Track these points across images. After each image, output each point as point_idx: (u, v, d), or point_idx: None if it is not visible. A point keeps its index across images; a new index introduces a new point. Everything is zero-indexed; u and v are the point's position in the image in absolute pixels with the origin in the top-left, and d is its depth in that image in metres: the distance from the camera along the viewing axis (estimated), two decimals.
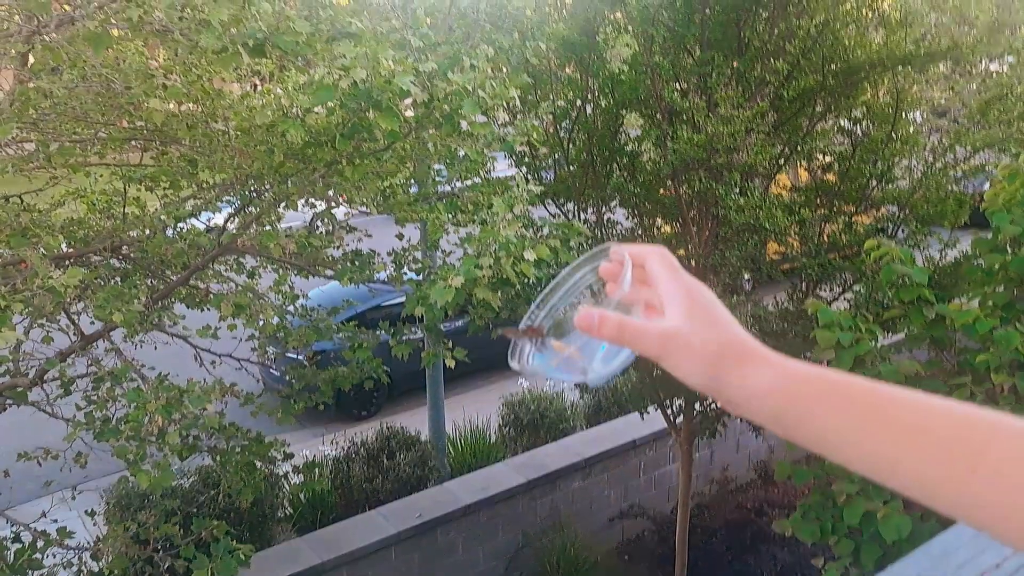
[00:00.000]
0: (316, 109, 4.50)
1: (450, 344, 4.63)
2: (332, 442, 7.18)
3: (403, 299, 4.37)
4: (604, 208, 5.51)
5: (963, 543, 0.73)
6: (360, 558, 5.64)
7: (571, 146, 5.41)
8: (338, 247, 5.20)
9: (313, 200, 5.06)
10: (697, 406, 5.29)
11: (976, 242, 4.47)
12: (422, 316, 4.33)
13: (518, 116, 5.02)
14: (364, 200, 4.66)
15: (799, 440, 0.60)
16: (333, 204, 5.08)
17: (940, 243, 5.12)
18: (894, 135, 5.26)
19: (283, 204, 4.68)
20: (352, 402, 8.48)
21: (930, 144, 5.56)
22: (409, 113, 4.56)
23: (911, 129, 5.36)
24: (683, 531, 5.64)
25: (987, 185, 5.89)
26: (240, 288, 4.79)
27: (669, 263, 0.67)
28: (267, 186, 4.46)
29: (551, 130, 5.42)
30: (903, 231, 5.29)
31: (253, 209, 4.71)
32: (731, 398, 0.61)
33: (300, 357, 6.04)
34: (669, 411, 5.38)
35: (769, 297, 5.83)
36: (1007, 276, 4.12)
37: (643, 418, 5.48)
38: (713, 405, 5.32)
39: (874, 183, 5.33)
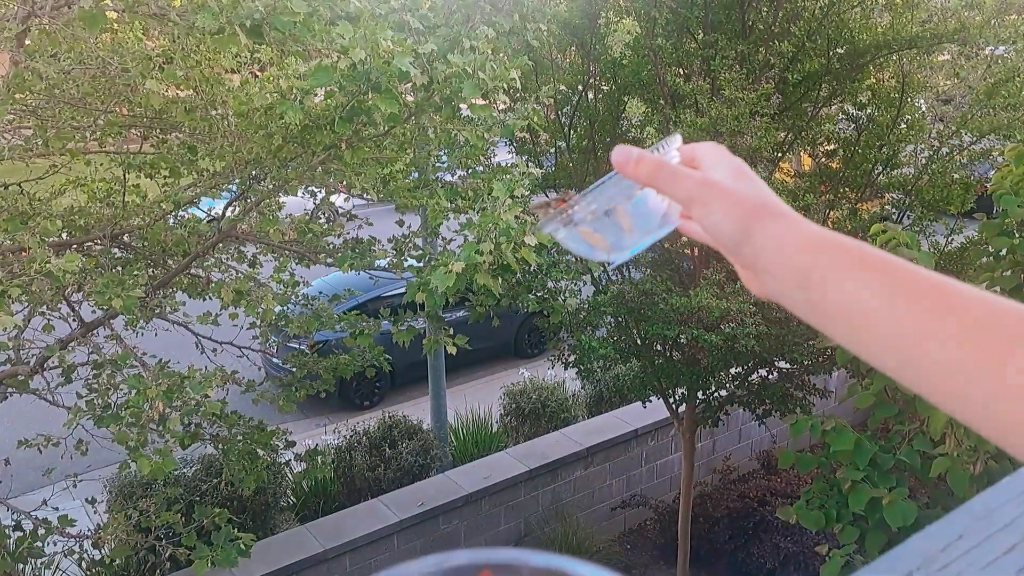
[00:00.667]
0: (315, 92, 4.47)
1: (451, 332, 4.59)
2: (334, 431, 7.17)
3: (404, 289, 4.35)
4: None
5: (1007, 500, 0.69)
6: (363, 546, 5.63)
7: (572, 132, 5.37)
8: (339, 235, 5.18)
9: (313, 188, 5.04)
10: (700, 395, 5.26)
11: (983, 226, 4.43)
12: (423, 303, 4.30)
13: (518, 101, 4.98)
14: (364, 186, 4.62)
15: (820, 307, 0.54)
16: (333, 191, 5.05)
17: (946, 229, 5.08)
18: (900, 120, 5.21)
19: (283, 190, 4.66)
20: (354, 392, 8.48)
21: (935, 130, 5.51)
22: (409, 99, 4.53)
23: (917, 114, 5.31)
24: (685, 521, 5.62)
25: (991, 171, 5.86)
26: (241, 276, 4.76)
27: (719, 148, 0.64)
28: (266, 172, 4.42)
29: (552, 116, 5.38)
30: (908, 217, 5.25)
31: (252, 196, 4.69)
32: (761, 248, 0.56)
33: (302, 346, 6.04)
34: (671, 400, 5.35)
35: None
36: (1015, 260, 4.08)
37: (645, 407, 5.45)
38: (716, 394, 5.29)
39: (879, 169, 5.29)
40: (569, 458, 6.23)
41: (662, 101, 4.93)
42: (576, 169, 5.41)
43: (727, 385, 5.26)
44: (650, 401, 5.37)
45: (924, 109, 5.88)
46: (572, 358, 4.98)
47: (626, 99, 5.21)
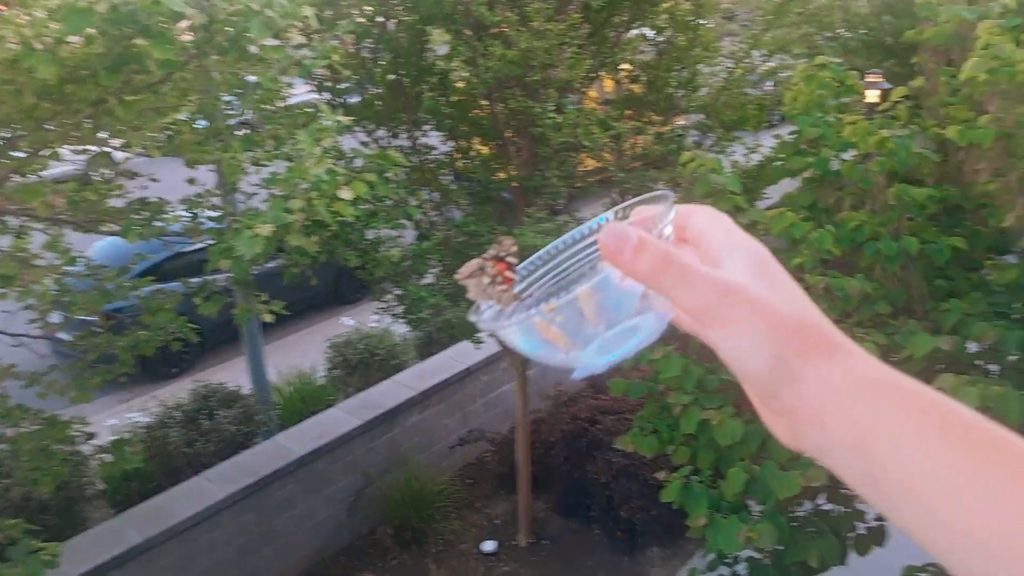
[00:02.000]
0: (71, 38, 3.87)
1: (265, 297, 4.24)
2: (141, 408, 6.58)
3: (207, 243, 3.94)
4: (417, 132, 5.22)
5: None
6: (190, 528, 5.25)
7: (376, 67, 5.03)
8: (120, 196, 4.61)
9: (83, 146, 4.41)
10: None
11: (780, 146, 4.61)
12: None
13: (314, 37, 4.56)
14: (144, 143, 4.09)
15: (882, 483, 0.41)
16: (106, 149, 4.45)
17: (744, 147, 5.27)
18: (695, 43, 5.29)
19: (45, 153, 4.03)
20: (158, 360, 7.78)
21: (729, 51, 5.66)
22: (187, 39, 4.03)
23: (711, 36, 5.41)
24: (524, 448, 5.68)
25: (768, 86, 6.15)
26: (4, 255, 4.13)
27: (721, 218, 0.50)
28: (20, 134, 3.80)
29: (352, 50, 5.01)
30: (710, 138, 5.40)
31: (5, 161, 4.03)
32: (808, 395, 0.43)
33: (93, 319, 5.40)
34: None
35: (586, 211, 5.83)
36: (811, 178, 4.28)
37: (478, 348, 5.37)
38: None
39: (681, 92, 5.37)
40: (404, 405, 6.08)
41: (468, 32, 4.69)
42: (384, 105, 5.10)
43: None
44: (483, 342, 5.30)
45: (711, 26, 6.02)
46: (400, 309, 4.78)
47: (429, 30, 4.92)
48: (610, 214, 0.59)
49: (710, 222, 0.51)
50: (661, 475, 3.74)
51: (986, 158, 3.26)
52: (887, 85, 7.37)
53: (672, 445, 4.02)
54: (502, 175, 5.12)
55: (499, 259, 0.57)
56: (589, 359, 0.51)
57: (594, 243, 0.58)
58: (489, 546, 5.58)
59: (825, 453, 0.43)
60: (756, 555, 3.44)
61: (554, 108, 4.67)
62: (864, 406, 0.41)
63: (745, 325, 0.44)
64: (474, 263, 0.56)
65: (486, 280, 0.55)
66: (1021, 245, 3.99)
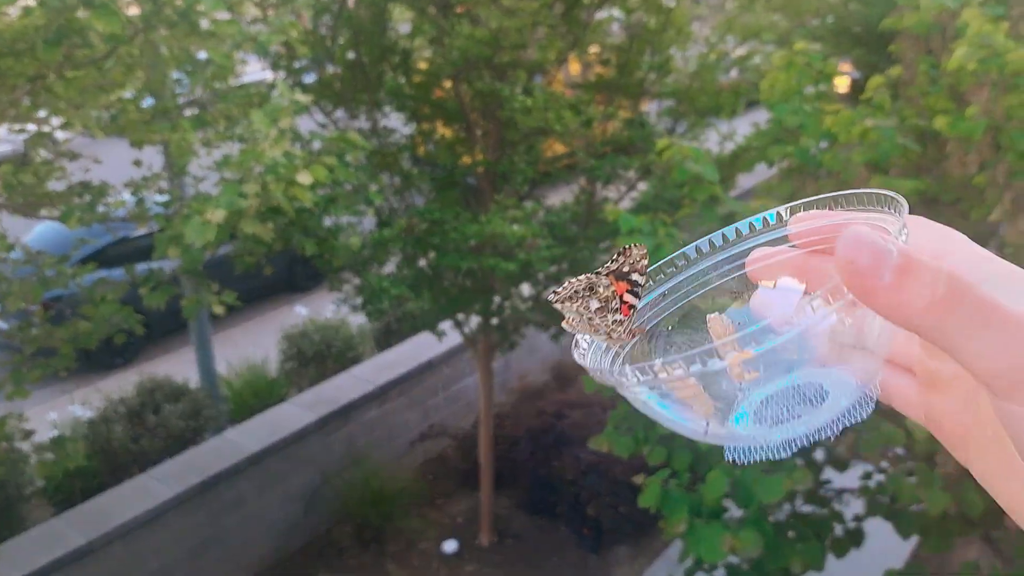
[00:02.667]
0: (7, 9, 3.57)
1: (215, 287, 3.98)
2: (84, 401, 6.25)
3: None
4: (378, 113, 4.98)
5: None
6: (134, 529, 4.98)
7: (335, 44, 4.78)
8: (61, 178, 4.30)
9: (20, 125, 4.10)
10: (495, 320, 5.06)
11: (757, 134, 4.49)
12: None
13: (270, 12, 4.30)
14: (86, 122, 3.80)
15: None
16: (45, 128, 4.14)
17: (719, 134, 5.14)
18: (668, 26, 5.13)
19: None
20: (102, 351, 7.42)
21: (696, 34, 5.53)
22: (133, 11, 3.76)
23: (684, 19, 5.26)
24: (487, 444, 5.51)
25: (733, 73, 6.04)
26: None
27: (962, 238, 0.36)
28: None
29: (310, 27, 4.75)
30: (683, 125, 5.26)
31: None
32: None
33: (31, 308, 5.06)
34: (466, 328, 5.11)
35: (552, 198, 5.65)
36: (789, 168, 4.16)
37: (440, 340, 5.17)
38: (510, 316, 5.11)
39: (653, 76, 5.22)
40: (361, 399, 5.86)
41: (432, 8, 4.47)
42: (343, 85, 4.85)
43: (520, 307, 5.10)
44: (444, 333, 5.10)
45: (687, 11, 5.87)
46: (359, 300, 4.55)
47: (391, 7, 4.68)
48: (782, 211, 0.43)
49: (952, 243, 0.36)
50: (639, 478, 3.59)
51: (974, 150, 3.16)
52: (856, 74, 7.34)
53: (648, 445, 3.88)
54: (467, 160, 4.92)
55: (621, 276, 0.43)
56: (758, 433, 0.36)
57: (741, 255, 0.45)
58: (451, 545, 5.41)
59: None
60: (734, 560, 3.32)
61: (523, 91, 4.48)
62: None
63: None
64: (580, 281, 0.44)
65: (594, 304, 0.42)
66: (997, 240, 3.93)
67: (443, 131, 5.15)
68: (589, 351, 0.45)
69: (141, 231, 6.28)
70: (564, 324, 0.46)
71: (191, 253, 3.51)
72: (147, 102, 4.34)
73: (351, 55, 4.74)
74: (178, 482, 5.17)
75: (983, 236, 3.97)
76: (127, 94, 4.21)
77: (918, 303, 0.30)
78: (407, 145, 5.10)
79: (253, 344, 7.09)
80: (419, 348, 6.25)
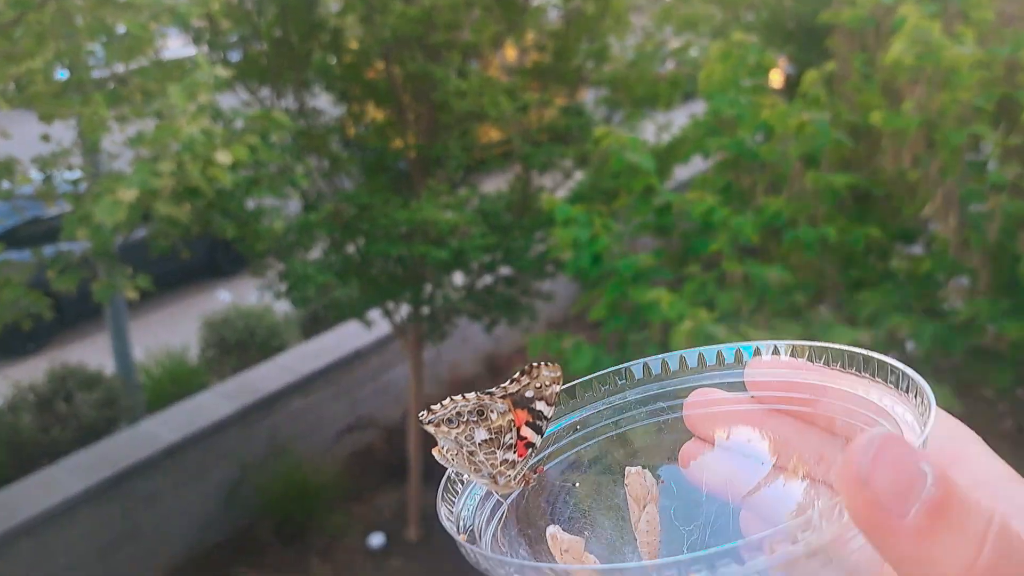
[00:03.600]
0: None
1: (129, 271, 3.76)
2: None
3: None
4: (306, 93, 4.79)
5: None
6: (43, 524, 4.72)
7: (261, 19, 4.57)
8: None
9: None
10: (426, 310, 4.93)
11: (694, 125, 4.46)
12: None
13: None
14: None
15: None
16: None
17: (655, 124, 5.10)
18: (606, 12, 5.07)
19: None
20: (10, 336, 7.03)
21: (634, 24, 5.48)
22: None
23: (622, 7, 5.20)
24: (416, 436, 5.39)
25: (670, 64, 6.03)
26: None
27: (993, 457, 0.27)
28: None
29: (234, 0, 4.52)
30: (619, 114, 5.20)
31: None
32: None
33: None
34: (395, 317, 4.97)
35: (487, 185, 5.54)
36: (725, 160, 4.14)
37: (369, 329, 5.02)
38: (442, 305, 4.99)
39: (590, 64, 5.15)
40: (285, 389, 5.66)
41: None
42: (269, 62, 4.64)
43: (452, 297, 4.98)
44: (372, 322, 4.96)
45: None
46: (283, 286, 4.37)
47: None
48: (742, 348, 0.35)
49: (964, 445, 0.29)
50: None
51: (908, 146, 3.17)
52: (789, 70, 7.41)
53: None
54: (399, 143, 4.77)
55: (522, 403, 0.34)
56: None
57: (682, 393, 0.36)
58: (377, 540, 5.27)
59: None
60: None
61: (457, 74, 4.35)
62: None
63: None
64: (466, 400, 0.35)
65: (481, 435, 0.34)
66: (928, 235, 3.98)
67: (374, 113, 4.99)
68: (461, 496, 0.36)
69: (54, 211, 5.95)
70: (435, 453, 0.38)
71: (101, 234, 3.29)
72: (61, 74, 4.08)
73: (278, 32, 4.53)
74: (90, 474, 4.91)
75: (914, 232, 4.02)
76: (37, 65, 3.94)
77: (953, 565, 0.22)
78: (336, 127, 4.92)
79: (173, 331, 6.80)
80: (347, 337, 6.08)
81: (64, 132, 4.17)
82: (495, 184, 5.49)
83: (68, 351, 6.68)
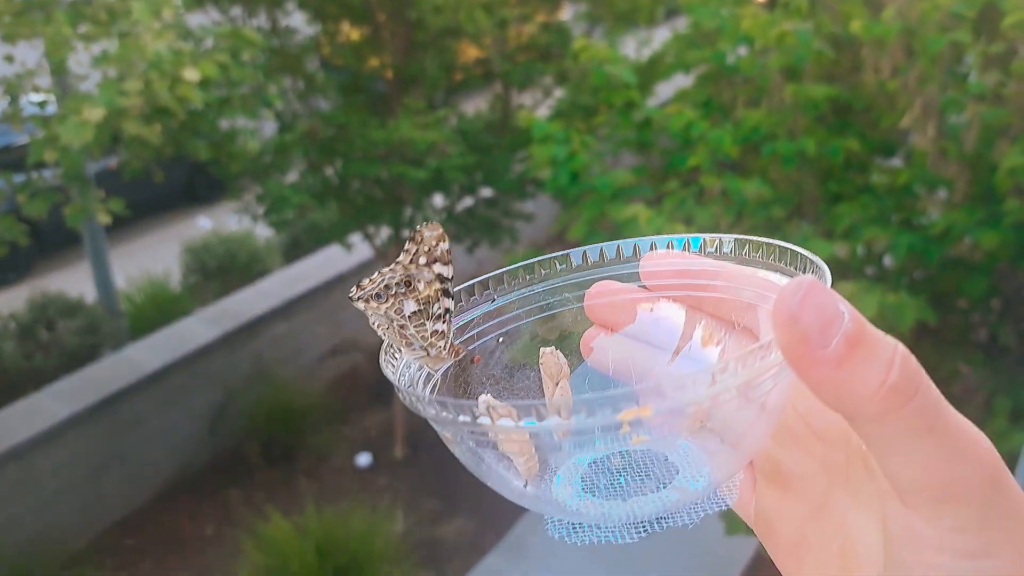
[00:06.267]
0: None
1: (102, 195, 3.71)
2: None
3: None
4: (278, 10, 4.65)
5: None
6: (30, 449, 4.77)
7: None
8: None
9: None
10: (406, 232, 4.90)
11: (674, 39, 4.37)
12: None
13: None
14: None
15: None
16: None
17: (637, 40, 5.01)
18: None
19: None
20: None
21: None
22: None
23: None
24: None
25: None
26: None
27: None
28: None
29: None
30: (600, 29, 5.10)
31: None
32: None
33: None
34: (376, 240, 4.95)
35: (468, 106, 5.45)
36: (705, 74, 4.07)
37: (349, 251, 5.00)
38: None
39: None
40: (268, 314, 5.67)
41: None
42: None
43: (434, 219, 4.95)
44: (353, 245, 4.94)
45: None
46: (261, 209, 4.33)
47: None
48: (640, 243, 0.38)
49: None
50: None
51: (887, 55, 3.12)
52: None
53: None
54: (375, 63, 4.67)
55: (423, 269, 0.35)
56: (590, 507, 0.31)
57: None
58: (364, 459, 5.36)
59: None
60: None
61: None
62: None
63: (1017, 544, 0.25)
64: (392, 272, 0.36)
65: (410, 307, 0.35)
66: (907, 147, 3.96)
67: (349, 32, 4.86)
68: (399, 367, 0.37)
69: (25, 138, 5.82)
70: (373, 326, 0.37)
71: (69, 156, 3.23)
72: None
73: None
74: (75, 400, 4.95)
75: (893, 145, 4.00)
76: None
77: (865, 386, 0.26)
78: (311, 46, 4.80)
79: (154, 258, 6.75)
80: (328, 261, 6.06)
81: (29, 53, 4.06)
82: (475, 105, 5.40)
83: (49, 280, 6.65)
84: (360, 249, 5.21)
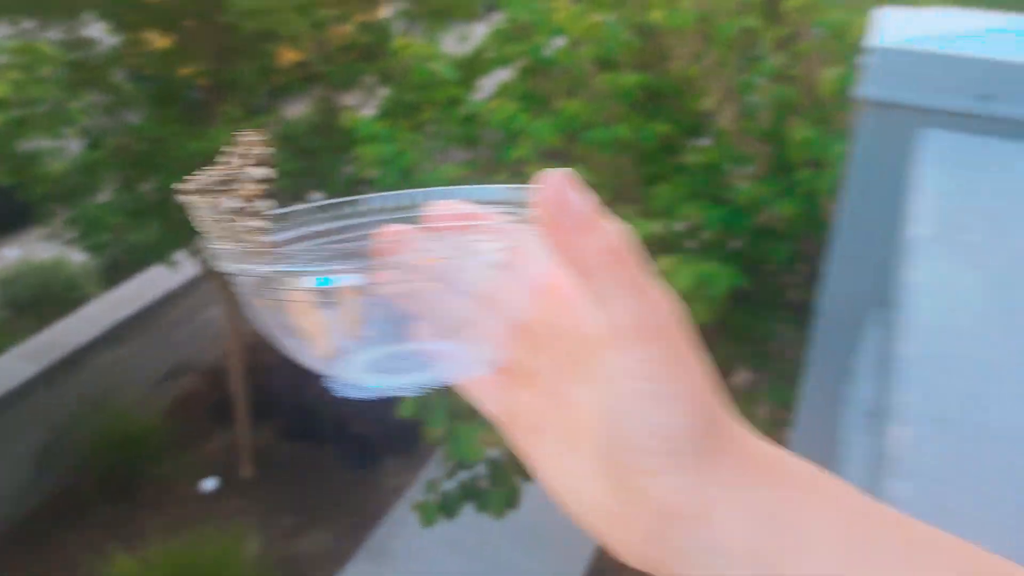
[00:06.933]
0: None
1: None
2: None
3: None
4: (75, 22, 4.37)
5: None
6: None
7: None
8: None
9: None
10: None
11: (494, 33, 4.46)
12: None
13: None
14: None
15: None
16: None
17: (456, 37, 5.06)
18: None
19: None
20: None
21: None
22: None
23: None
24: (239, 375, 5.24)
25: None
26: None
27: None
28: None
29: None
30: (419, 27, 5.12)
31: None
32: (715, 499, 0.32)
33: None
34: (203, 255, 4.75)
35: (293, 110, 5.33)
36: (525, 67, 4.18)
37: (175, 269, 4.77)
38: None
39: None
40: (93, 343, 5.32)
41: None
42: None
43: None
44: (177, 262, 4.72)
45: None
46: (74, 234, 4.06)
47: None
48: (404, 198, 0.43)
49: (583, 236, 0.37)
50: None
51: (687, 42, 3.33)
52: None
53: None
54: (187, 71, 4.48)
55: (241, 175, 0.37)
56: (354, 375, 0.39)
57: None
58: (210, 484, 5.14)
59: (704, 553, 0.33)
60: (495, 455, 3.42)
61: None
62: (773, 511, 0.33)
63: (678, 357, 0.34)
64: (219, 170, 0.38)
65: (234, 203, 0.37)
66: (715, 128, 4.23)
67: (156, 40, 4.63)
68: (223, 253, 0.39)
69: None
70: (198, 223, 0.39)
71: None
72: None
73: None
74: None
75: (701, 125, 4.26)
76: None
77: (593, 249, 0.34)
78: (115, 57, 4.53)
79: None
80: (154, 281, 5.75)
81: None
82: (300, 109, 5.29)
83: None
84: (186, 266, 4.99)
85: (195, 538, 4.27)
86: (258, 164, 0.39)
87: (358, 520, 5.08)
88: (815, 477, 0.35)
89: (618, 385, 0.34)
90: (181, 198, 0.41)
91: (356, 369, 0.38)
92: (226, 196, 0.40)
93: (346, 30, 4.90)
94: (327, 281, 0.34)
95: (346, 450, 5.64)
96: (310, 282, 0.34)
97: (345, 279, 0.34)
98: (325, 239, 0.43)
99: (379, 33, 4.93)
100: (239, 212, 0.39)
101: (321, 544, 4.91)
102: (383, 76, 4.85)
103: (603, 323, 0.34)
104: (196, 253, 4.67)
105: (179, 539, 4.31)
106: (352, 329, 0.36)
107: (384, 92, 4.97)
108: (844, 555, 0.31)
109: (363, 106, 4.99)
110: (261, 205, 0.39)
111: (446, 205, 0.41)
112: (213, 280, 5.17)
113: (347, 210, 0.44)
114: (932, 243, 0.62)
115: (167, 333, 5.84)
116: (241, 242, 0.39)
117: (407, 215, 0.44)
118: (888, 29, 0.82)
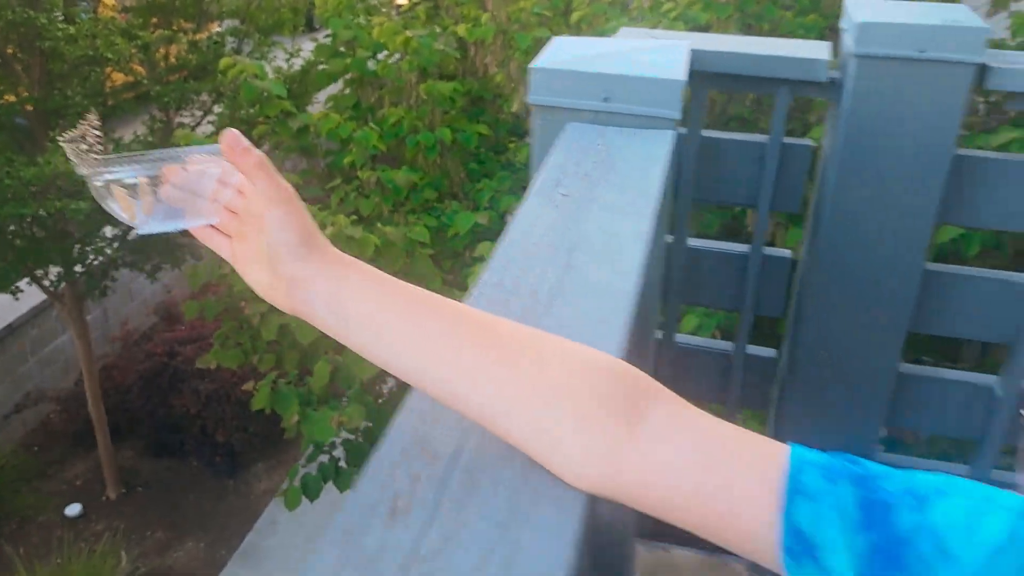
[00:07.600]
0: None
1: None
2: None
3: None
4: None
5: None
6: None
7: None
8: None
9: None
10: (79, 268, 4.76)
11: (318, 48, 4.69)
12: None
13: None
14: None
15: (349, 322, 0.60)
16: None
17: (285, 52, 5.25)
18: None
19: None
20: None
21: None
22: None
23: None
24: (95, 399, 5.23)
25: None
26: None
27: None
28: None
29: None
30: (248, 44, 5.27)
31: None
32: (317, 274, 0.60)
33: None
34: (47, 282, 4.75)
35: (125, 131, 5.36)
36: (351, 79, 4.45)
37: (17, 298, 4.74)
38: (97, 262, 4.84)
39: None
40: None
41: None
42: None
43: (106, 250, 4.85)
44: (20, 291, 4.70)
45: None
46: None
47: None
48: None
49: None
50: (248, 386, 3.76)
51: (491, 53, 3.70)
52: None
53: (257, 355, 4.04)
54: (10, 98, 4.48)
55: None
56: (146, 229, 0.63)
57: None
58: (74, 509, 5.13)
59: (315, 308, 0.60)
60: (350, 436, 3.68)
61: (63, 18, 4.17)
62: (340, 277, 0.60)
63: (296, 212, 0.60)
64: (72, 134, 0.62)
65: (84, 146, 0.62)
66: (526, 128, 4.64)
67: None
68: (80, 167, 0.63)
69: None
70: (70, 158, 0.62)
71: None
72: None
73: None
74: None
75: (521, 125, 4.66)
76: None
77: (252, 160, 0.57)
78: None
79: None
80: None
81: None
82: (133, 129, 5.33)
83: None
84: (30, 293, 4.96)
85: (62, 564, 4.29)
86: (91, 125, 0.68)
87: (230, 526, 5.19)
88: (372, 268, 0.61)
89: (269, 226, 0.58)
90: (62, 144, 0.64)
91: (147, 227, 0.62)
92: (78, 141, 0.69)
93: (175, 50, 5.00)
94: (132, 175, 0.61)
95: (211, 461, 5.72)
96: (123, 176, 0.61)
97: (133, 176, 0.61)
98: (138, 163, 0.66)
99: (209, 52, 5.06)
100: (84, 145, 0.68)
101: (194, 554, 5.00)
102: (216, 94, 4.99)
103: (262, 199, 0.58)
104: (37, 279, 4.66)
105: (45, 567, 4.32)
106: (147, 207, 0.62)
107: (219, 108, 5.11)
108: (379, 296, 0.59)
109: (199, 123, 5.11)
110: (93, 140, 0.68)
111: (196, 153, 0.64)
112: (59, 308, 5.14)
113: (158, 153, 0.72)
114: (534, 196, 0.98)
115: (14, 365, 5.73)
116: (84, 161, 0.65)
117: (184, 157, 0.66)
118: (548, 53, 1.20)
